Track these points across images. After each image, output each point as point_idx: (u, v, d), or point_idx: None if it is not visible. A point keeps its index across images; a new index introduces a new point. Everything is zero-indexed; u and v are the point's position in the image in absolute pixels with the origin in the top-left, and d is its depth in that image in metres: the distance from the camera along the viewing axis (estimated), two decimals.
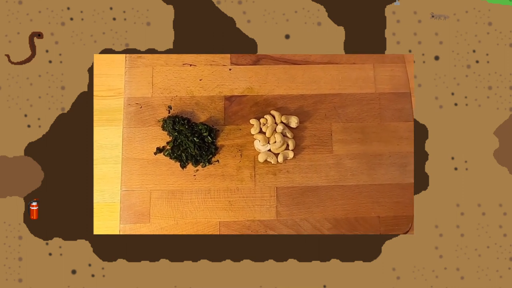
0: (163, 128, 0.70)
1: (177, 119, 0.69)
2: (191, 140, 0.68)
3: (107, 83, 0.78)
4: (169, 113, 0.71)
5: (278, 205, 0.68)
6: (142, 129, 0.70)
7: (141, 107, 0.71)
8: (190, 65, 0.73)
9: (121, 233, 0.68)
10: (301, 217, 0.68)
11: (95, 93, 0.77)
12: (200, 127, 0.69)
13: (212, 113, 0.71)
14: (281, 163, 0.69)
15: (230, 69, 0.73)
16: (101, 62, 0.79)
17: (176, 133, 0.69)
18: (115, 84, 0.78)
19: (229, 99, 0.72)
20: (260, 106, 0.72)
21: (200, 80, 0.72)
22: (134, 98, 0.71)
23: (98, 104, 0.78)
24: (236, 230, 0.67)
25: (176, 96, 0.72)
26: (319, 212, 0.68)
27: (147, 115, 0.71)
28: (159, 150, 0.70)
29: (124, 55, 0.73)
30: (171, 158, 0.69)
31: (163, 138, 0.70)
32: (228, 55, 0.73)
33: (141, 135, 0.70)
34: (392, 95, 0.73)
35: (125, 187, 0.69)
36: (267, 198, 0.69)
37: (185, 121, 0.70)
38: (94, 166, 0.75)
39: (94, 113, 0.76)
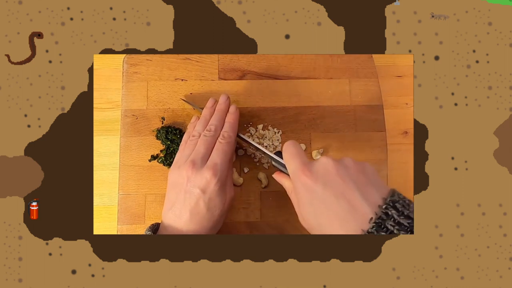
0: (157, 137, 0.74)
1: (169, 129, 0.73)
2: None
3: (106, 96, 0.84)
4: (162, 123, 0.75)
5: (262, 208, 0.72)
6: (137, 138, 0.74)
7: (137, 118, 0.75)
8: (182, 80, 0.76)
9: (118, 234, 0.71)
10: (284, 219, 0.72)
11: (95, 105, 0.82)
12: None
13: None
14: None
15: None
16: (101, 77, 0.84)
17: (168, 142, 0.73)
18: (113, 97, 0.83)
19: None
20: (245, 118, 0.76)
21: (191, 93, 0.76)
22: (130, 110, 0.75)
23: (97, 115, 0.83)
24: (224, 231, 0.71)
25: (169, 108, 0.75)
26: None
27: (142, 125, 0.75)
28: (153, 157, 0.74)
29: (121, 70, 0.77)
30: (164, 165, 0.73)
31: (157, 147, 0.74)
32: (216, 71, 0.77)
33: (137, 144, 0.74)
34: (366, 107, 0.77)
35: (122, 191, 0.72)
36: (252, 201, 0.72)
37: (177, 131, 0.74)
38: (94, 172, 0.80)
39: (94, 123, 0.81)
